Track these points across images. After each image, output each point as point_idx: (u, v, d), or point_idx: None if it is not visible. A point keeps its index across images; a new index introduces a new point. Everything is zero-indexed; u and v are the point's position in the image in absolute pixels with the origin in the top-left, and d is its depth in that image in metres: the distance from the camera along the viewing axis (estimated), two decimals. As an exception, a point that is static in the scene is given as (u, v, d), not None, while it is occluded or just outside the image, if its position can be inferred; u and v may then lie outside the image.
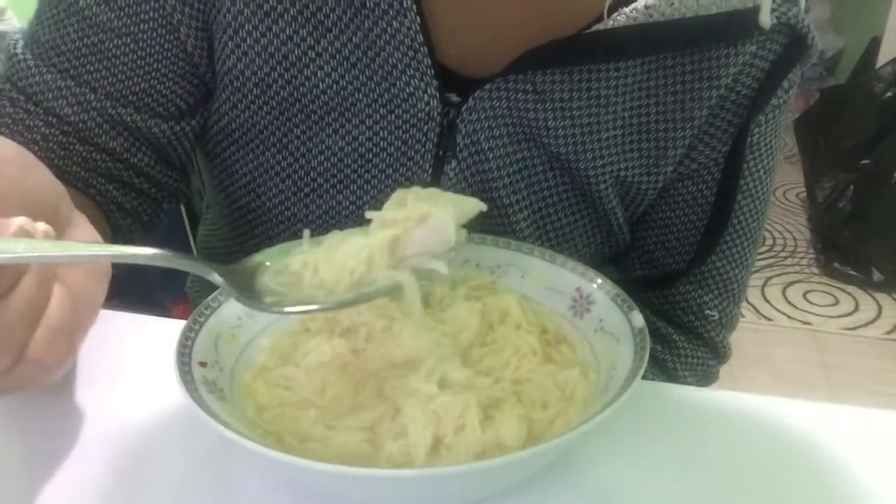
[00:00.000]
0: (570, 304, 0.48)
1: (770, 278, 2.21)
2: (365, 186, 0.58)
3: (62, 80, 0.55)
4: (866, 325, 2.03)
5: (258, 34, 0.54)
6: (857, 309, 2.09)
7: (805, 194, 2.62)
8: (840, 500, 0.42)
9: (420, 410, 0.39)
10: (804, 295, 2.15)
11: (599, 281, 0.47)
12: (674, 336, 0.65)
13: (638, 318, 0.43)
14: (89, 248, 0.35)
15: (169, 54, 0.56)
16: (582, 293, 0.48)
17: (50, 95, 0.55)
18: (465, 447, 0.38)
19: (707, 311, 0.65)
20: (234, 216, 0.66)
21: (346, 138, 0.57)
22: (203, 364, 0.41)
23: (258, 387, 0.43)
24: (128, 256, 0.35)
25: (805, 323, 2.04)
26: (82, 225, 0.39)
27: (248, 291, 0.39)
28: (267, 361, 0.45)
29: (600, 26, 0.52)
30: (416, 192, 0.42)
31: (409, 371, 0.41)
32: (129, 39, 0.55)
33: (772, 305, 2.09)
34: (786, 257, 2.32)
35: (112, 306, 0.43)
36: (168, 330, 0.43)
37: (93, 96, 0.55)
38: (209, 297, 0.45)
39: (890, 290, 2.14)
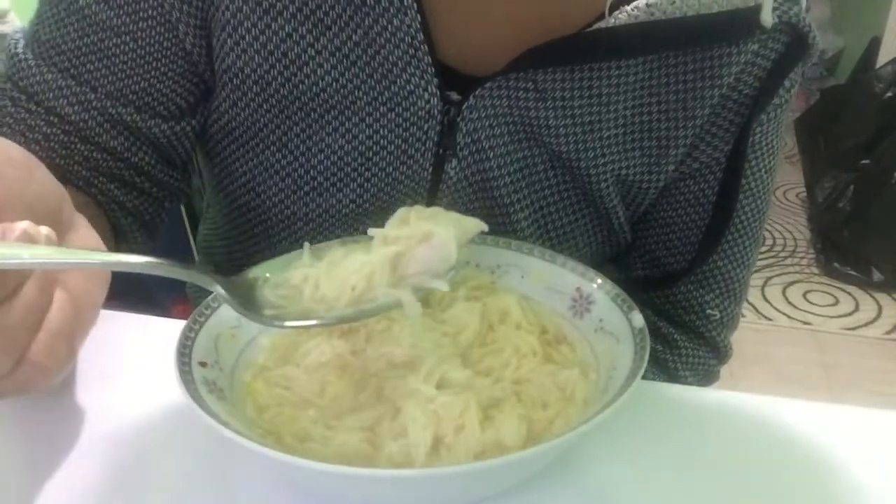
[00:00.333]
0: (570, 304, 0.48)
1: (770, 278, 2.21)
2: (365, 185, 0.58)
3: (63, 80, 0.55)
4: (866, 325, 2.03)
5: (257, 31, 0.53)
6: (857, 309, 2.09)
7: (805, 194, 2.62)
8: (840, 500, 0.41)
9: (420, 410, 0.39)
10: (804, 295, 2.15)
11: (599, 281, 0.47)
12: (675, 336, 0.65)
13: (638, 318, 0.43)
14: (93, 256, 0.35)
15: (168, 52, 0.56)
16: (582, 293, 0.48)
17: (51, 95, 0.55)
18: (465, 447, 0.38)
19: (708, 311, 0.65)
20: (234, 215, 0.66)
21: (346, 136, 0.56)
22: (203, 364, 0.41)
23: (258, 386, 0.43)
24: (131, 266, 0.35)
25: (805, 323, 2.04)
26: (83, 228, 0.39)
27: (248, 303, 0.39)
28: (267, 361, 0.45)
29: (602, 25, 0.52)
30: (418, 210, 0.43)
31: (408, 371, 0.41)
32: (128, 38, 0.55)
33: (772, 305, 2.09)
34: (786, 257, 2.32)
35: (112, 306, 0.43)
36: (168, 330, 0.43)
37: (93, 95, 0.55)
38: (209, 298, 0.44)
39: (890, 290, 2.14)
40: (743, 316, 0.77)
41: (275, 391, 0.43)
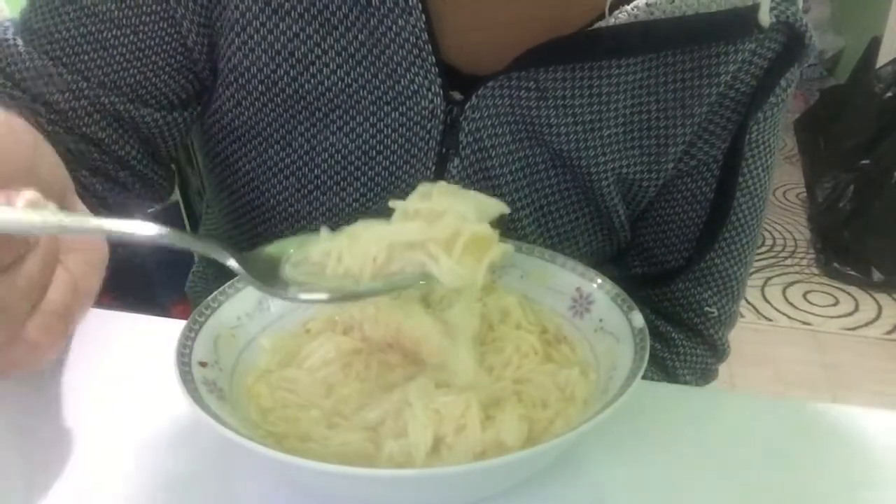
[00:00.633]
0: (570, 303, 0.48)
1: (770, 278, 2.21)
2: (368, 184, 0.58)
3: (54, 67, 0.55)
4: (866, 325, 2.03)
5: (265, 31, 0.54)
6: (857, 309, 2.09)
7: (805, 194, 2.62)
8: (840, 500, 0.41)
9: (421, 410, 0.38)
10: (804, 295, 2.14)
11: (599, 281, 0.47)
12: (673, 334, 0.65)
13: (638, 318, 0.43)
14: (102, 223, 0.33)
15: (168, 48, 0.56)
16: (582, 293, 0.48)
17: (40, 82, 0.55)
18: (466, 447, 0.38)
19: (706, 308, 0.65)
20: (236, 214, 0.66)
21: (350, 135, 0.57)
22: (203, 364, 0.41)
23: (261, 389, 0.43)
24: (141, 236, 0.33)
25: (805, 323, 2.04)
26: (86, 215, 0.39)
27: (269, 280, 0.38)
28: (269, 364, 0.45)
29: (602, 24, 0.52)
30: (440, 186, 0.41)
31: (411, 368, 0.41)
32: (128, 31, 0.55)
33: (772, 305, 2.09)
34: (786, 257, 2.32)
35: (112, 306, 0.43)
36: (168, 330, 0.43)
37: (85, 84, 0.55)
38: (209, 297, 0.45)
39: (890, 290, 2.14)
40: (742, 316, 0.77)
41: (278, 394, 0.43)
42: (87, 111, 0.56)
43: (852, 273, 2.18)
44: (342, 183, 0.59)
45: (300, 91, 0.55)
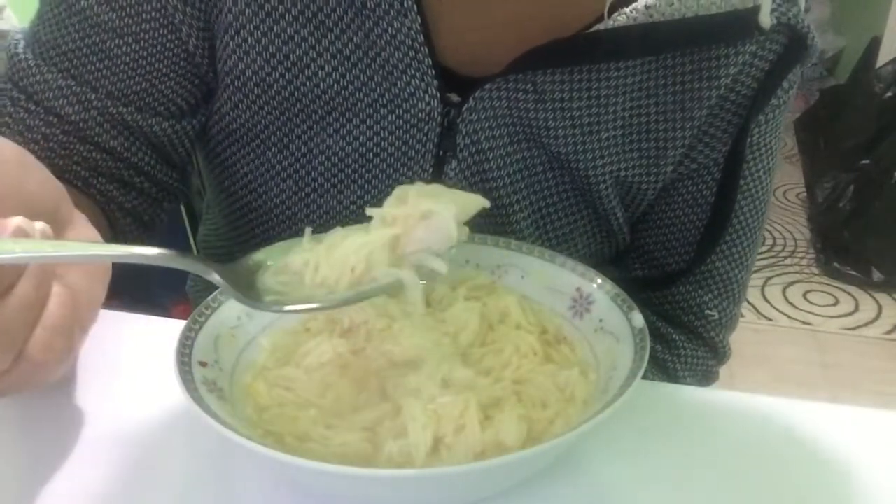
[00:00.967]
0: (570, 304, 0.48)
1: (770, 278, 2.21)
2: (366, 186, 0.58)
3: (63, 80, 0.55)
4: (866, 325, 2.03)
5: (259, 34, 0.54)
6: (857, 309, 2.09)
7: (805, 194, 2.62)
8: (840, 500, 0.41)
9: (420, 410, 0.39)
10: (804, 295, 2.14)
11: (599, 281, 0.47)
12: (674, 336, 0.65)
13: (638, 318, 0.43)
14: (88, 248, 0.35)
15: (170, 54, 0.56)
16: (582, 293, 0.48)
17: (50, 95, 0.55)
18: (465, 447, 0.38)
19: (707, 311, 0.65)
20: (235, 216, 0.66)
21: (347, 138, 0.57)
22: (203, 364, 0.41)
23: (258, 387, 0.43)
24: (127, 256, 0.35)
25: (805, 323, 2.03)
26: (82, 225, 0.39)
27: (249, 291, 0.39)
28: (267, 361, 0.45)
29: (601, 26, 0.52)
30: (417, 188, 0.41)
31: (409, 370, 0.41)
32: (130, 39, 0.55)
33: (772, 305, 2.09)
34: (786, 257, 2.32)
35: (112, 306, 0.43)
36: (168, 330, 0.43)
37: (94, 95, 0.55)
38: (209, 297, 0.45)
39: (890, 290, 2.14)
40: (743, 316, 0.77)
41: (275, 391, 0.43)
42: (97, 121, 0.56)
43: (852, 273, 2.18)
44: (339, 185, 0.59)
45: (296, 94, 0.55)
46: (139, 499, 0.41)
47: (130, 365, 0.50)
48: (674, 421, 0.47)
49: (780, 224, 2.49)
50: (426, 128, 0.55)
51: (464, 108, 0.54)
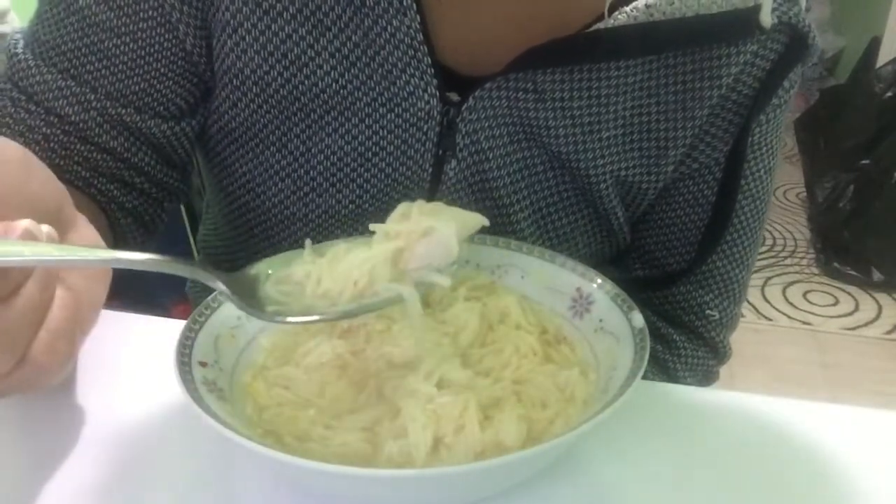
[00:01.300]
0: (570, 304, 0.48)
1: (770, 278, 2.21)
2: (365, 186, 0.58)
3: (63, 80, 0.55)
4: (866, 325, 2.03)
5: (257, 32, 0.53)
6: (857, 309, 2.09)
7: (805, 194, 2.62)
8: (839, 500, 0.41)
9: (420, 410, 0.39)
10: (804, 295, 2.14)
11: (599, 281, 0.47)
12: (674, 336, 0.65)
13: (638, 318, 0.43)
14: (94, 253, 0.35)
15: (168, 53, 0.56)
16: (582, 293, 0.48)
17: (50, 95, 0.55)
18: (465, 447, 0.38)
19: (707, 311, 0.65)
20: (234, 215, 0.66)
21: (346, 137, 0.56)
22: (203, 364, 0.41)
23: (258, 386, 0.43)
24: (132, 263, 0.35)
25: (805, 323, 2.04)
26: (84, 227, 0.39)
27: (251, 300, 0.39)
28: (266, 361, 0.45)
29: (601, 25, 0.52)
30: (419, 205, 0.42)
31: (408, 371, 0.41)
32: (128, 39, 0.55)
33: (772, 305, 2.09)
34: (786, 257, 2.32)
35: (112, 306, 0.43)
36: (168, 330, 0.43)
37: (93, 96, 0.55)
38: (209, 297, 0.44)
39: (890, 290, 2.14)
40: (743, 316, 0.77)
41: (274, 391, 0.43)
42: (97, 122, 0.56)
43: (852, 273, 2.18)
44: (338, 185, 0.59)
45: (294, 93, 0.55)
46: (139, 499, 0.41)
47: (130, 365, 0.50)
48: (674, 421, 0.47)
49: (780, 224, 2.49)
50: (425, 127, 0.55)
51: (463, 108, 0.54)
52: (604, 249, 0.65)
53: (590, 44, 0.52)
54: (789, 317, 2.06)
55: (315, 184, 0.59)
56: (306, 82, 0.55)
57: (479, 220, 0.43)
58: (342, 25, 0.53)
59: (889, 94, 2.30)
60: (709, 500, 0.41)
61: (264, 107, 0.56)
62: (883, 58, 2.51)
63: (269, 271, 0.42)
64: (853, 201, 2.23)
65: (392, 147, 0.56)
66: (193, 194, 0.92)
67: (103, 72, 0.55)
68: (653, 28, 0.51)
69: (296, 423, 0.41)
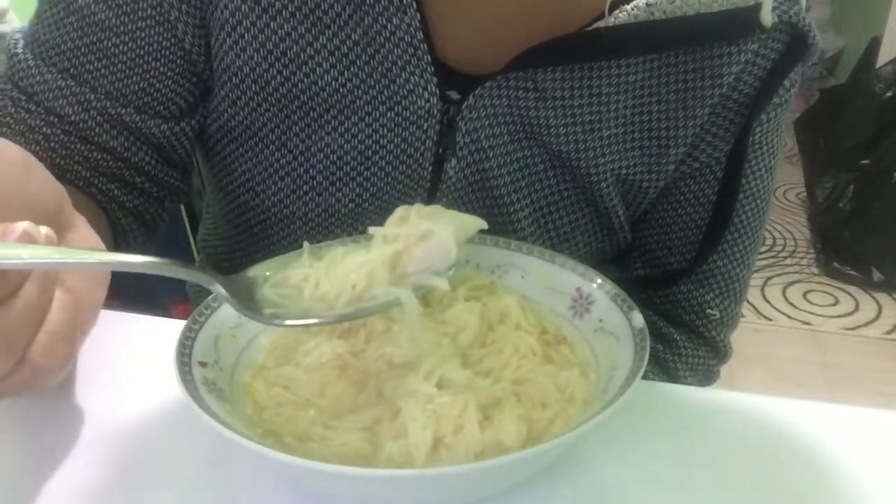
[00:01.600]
0: (570, 304, 0.48)
1: (770, 278, 2.21)
2: (364, 184, 0.58)
3: (62, 80, 0.55)
4: (866, 325, 2.03)
5: (256, 31, 0.53)
6: (857, 309, 2.09)
7: (805, 194, 2.62)
8: (839, 500, 0.41)
9: (419, 410, 0.38)
10: (804, 295, 2.14)
11: (599, 281, 0.47)
12: (674, 335, 0.65)
13: (638, 318, 0.43)
14: (93, 256, 0.35)
15: (167, 52, 0.56)
16: (582, 293, 0.48)
17: (50, 95, 0.55)
18: (465, 447, 0.38)
19: (708, 311, 0.65)
20: (233, 215, 0.66)
21: (346, 136, 0.56)
22: (203, 364, 0.41)
23: (257, 386, 0.43)
24: (131, 265, 0.35)
25: (805, 323, 2.04)
26: (83, 228, 0.39)
27: (248, 302, 0.40)
28: (266, 361, 0.45)
29: (601, 24, 0.52)
30: (417, 208, 0.43)
31: (408, 371, 0.41)
32: (126, 38, 0.55)
33: (772, 305, 2.09)
34: (786, 257, 2.32)
35: (112, 306, 0.43)
36: (168, 330, 0.43)
37: (93, 96, 0.55)
38: (209, 297, 0.44)
39: (890, 290, 2.14)
40: (743, 316, 0.77)
41: (274, 391, 0.43)
42: (97, 122, 0.56)
43: (852, 273, 2.18)
44: (338, 184, 0.58)
45: (294, 91, 0.55)
46: (139, 499, 0.41)
47: (130, 365, 0.50)
48: (674, 421, 0.47)
49: (780, 224, 2.49)
50: (425, 125, 0.55)
51: (463, 106, 0.54)
52: (604, 248, 0.65)
53: (590, 42, 0.52)
54: (789, 317, 2.06)
55: (315, 182, 0.59)
56: (306, 80, 0.55)
57: (477, 223, 0.44)
58: (342, 23, 0.53)
59: (889, 94, 2.30)
60: (709, 500, 0.41)
61: (263, 105, 0.56)
62: (883, 58, 2.51)
63: (267, 273, 0.42)
64: (853, 201, 2.23)
65: (392, 146, 0.56)
66: (193, 194, 0.92)
67: (103, 71, 0.55)
68: (653, 27, 0.51)
69: (296, 423, 0.40)
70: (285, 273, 0.42)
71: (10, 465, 0.43)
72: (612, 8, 0.52)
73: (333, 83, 0.54)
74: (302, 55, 0.54)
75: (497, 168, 0.57)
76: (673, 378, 0.65)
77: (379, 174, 0.58)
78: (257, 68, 0.55)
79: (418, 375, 0.41)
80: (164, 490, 0.41)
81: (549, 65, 0.53)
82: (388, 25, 0.52)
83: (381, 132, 0.56)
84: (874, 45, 2.60)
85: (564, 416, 0.41)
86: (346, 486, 0.36)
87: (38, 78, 0.55)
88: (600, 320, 0.46)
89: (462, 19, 0.54)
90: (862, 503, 0.41)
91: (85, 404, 0.47)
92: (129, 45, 0.55)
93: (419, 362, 0.42)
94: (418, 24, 0.52)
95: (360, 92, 0.55)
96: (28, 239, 0.32)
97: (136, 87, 0.56)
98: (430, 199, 0.59)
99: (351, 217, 0.60)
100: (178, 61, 0.56)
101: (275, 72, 0.55)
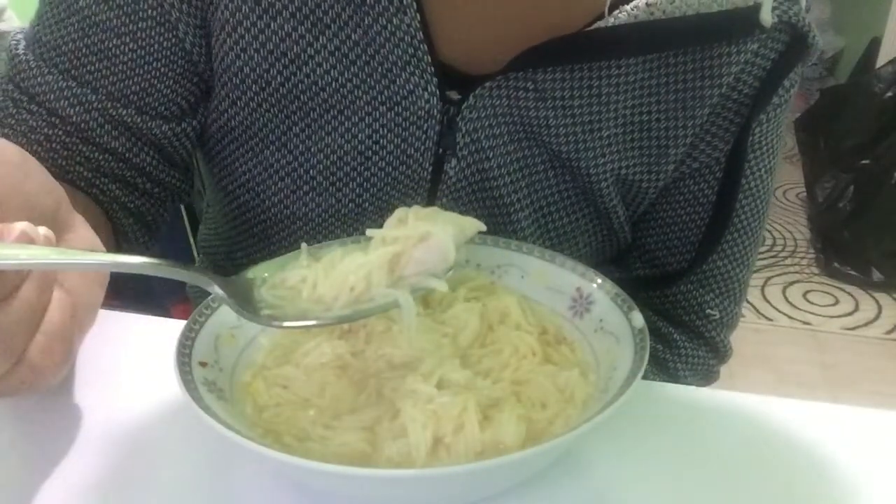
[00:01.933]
0: (570, 304, 0.48)
1: (770, 278, 2.21)
2: (364, 185, 0.58)
3: (64, 81, 0.55)
4: (866, 325, 2.03)
5: (256, 31, 0.53)
6: (857, 309, 2.09)
7: (805, 194, 2.62)
8: (839, 500, 0.41)
9: (419, 410, 0.38)
10: (804, 295, 2.15)
11: (599, 281, 0.47)
12: (674, 335, 0.65)
13: (638, 318, 0.43)
14: (91, 257, 0.35)
15: (168, 52, 0.56)
16: (582, 293, 0.48)
17: (52, 96, 0.55)
18: (465, 447, 0.38)
19: (708, 311, 0.65)
20: (234, 215, 0.66)
21: (346, 136, 0.56)
22: (203, 364, 0.41)
23: (257, 386, 0.43)
24: (129, 266, 0.35)
25: (805, 323, 2.04)
26: (81, 228, 0.39)
27: (246, 303, 0.40)
28: (266, 361, 0.45)
29: (601, 24, 0.52)
30: (416, 210, 0.43)
31: (408, 372, 0.41)
32: (128, 38, 0.55)
33: (772, 305, 2.09)
34: (786, 257, 2.32)
35: (112, 306, 0.43)
36: (168, 330, 0.43)
37: (94, 97, 0.55)
38: (209, 298, 0.44)
39: (890, 290, 2.14)
40: (743, 316, 0.77)
41: (274, 390, 0.43)
42: (98, 123, 0.56)
43: (852, 273, 2.18)
44: (338, 184, 0.58)
45: (294, 91, 0.55)
46: (139, 499, 0.41)
47: (130, 365, 0.50)
48: (674, 420, 0.47)
49: (780, 224, 2.49)
50: (426, 126, 0.55)
51: (464, 106, 0.54)
52: (604, 249, 0.65)
53: (590, 42, 0.52)
54: (789, 317, 2.06)
55: (315, 183, 0.59)
56: (306, 81, 0.55)
57: (476, 225, 0.44)
58: (342, 24, 0.53)
59: (889, 94, 2.30)
60: (709, 500, 0.41)
61: (264, 105, 0.56)
62: (883, 58, 2.51)
63: (266, 275, 0.42)
64: (853, 201, 2.23)
65: (392, 146, 0.56)
66: (193, 194, 0.92)
67: (104, 72, 0.55)
68: (653, 27, 0.51)
69: (295, 423, 0.40)
70: (283, 274, 0.42)
71: (11, 465, 0.43)
72: (612, 8, 0.52)
73: (333, 83, 0.54)
74: (302, 55, 0.54)
75: (497, 168, 0.57)
76: (673, 378, 0.65)
77: (379, 174, 0.58)
78: (258, 68, 0.55)
79: (418, 376, 0.41)
80: (164, 490, 0.41)
81: (548, 65, 0.53)
82: (388, 26, 0.52)
83: (381, 132, 0.56)
84: (874, 46, 2.61)
85: (564, 416, 0.41)
86: (345, 485, 0.36)
87: (39, 79, 0.55)
88: (600, 320, 0.46)
89: (462, 19, 0.54)
90: (862, 503, 0.41)
91: (85, 404, 0.47)
92: (130, 45, 0.55)
93: (419, 363, 0.42)
94: (418, 25, 0.52)
95: (360, 92, 0.55)
96: (26, 239, 0.32)
97: (138, 87, 0.56)
98: (430, 199, 0.59)
99: (351, 217, 0.60)
100: (179, 62, 0.56)
101: (275, 72, 0.55)
